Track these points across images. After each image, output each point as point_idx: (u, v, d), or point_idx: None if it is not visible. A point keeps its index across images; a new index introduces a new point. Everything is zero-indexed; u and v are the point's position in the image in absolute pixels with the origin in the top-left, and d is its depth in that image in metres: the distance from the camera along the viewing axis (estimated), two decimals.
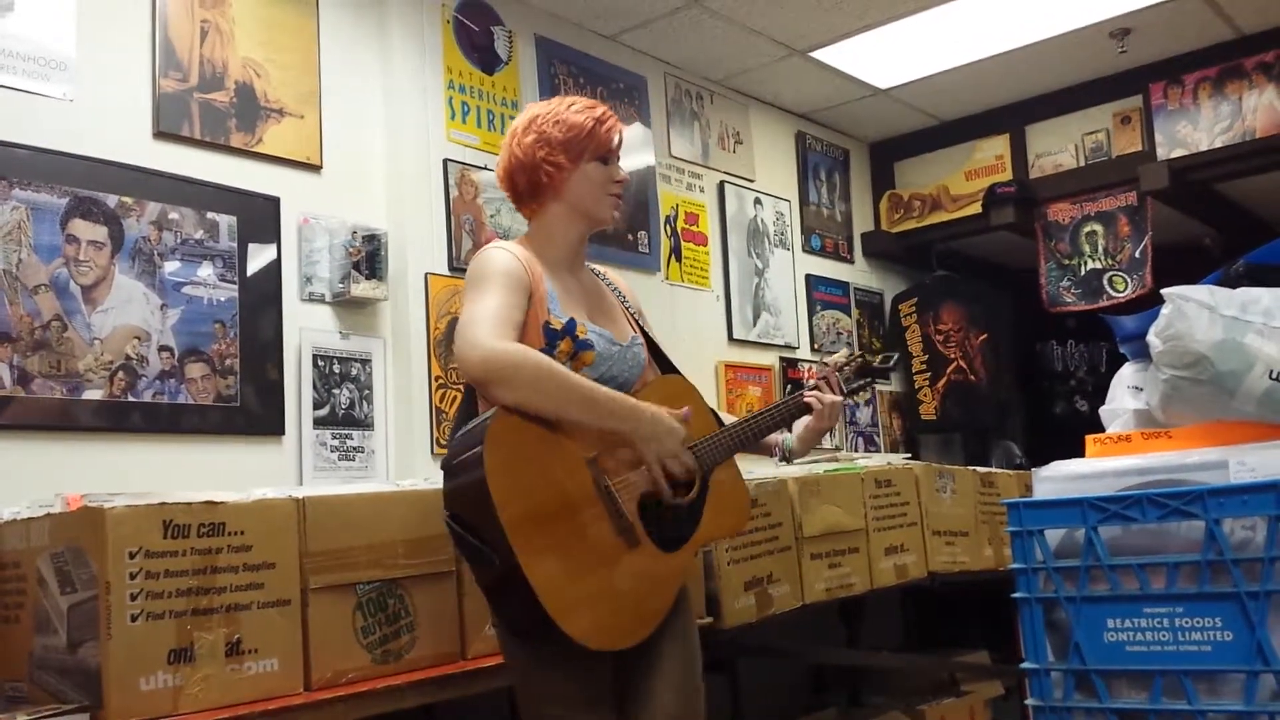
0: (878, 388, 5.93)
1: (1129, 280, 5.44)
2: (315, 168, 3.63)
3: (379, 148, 3.84)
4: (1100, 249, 5.53)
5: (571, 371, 1.96)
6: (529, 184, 2.16)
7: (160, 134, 3.26)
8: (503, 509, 1.80)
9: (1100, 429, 2.04)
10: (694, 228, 5.01)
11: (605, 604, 1.92)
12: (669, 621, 2.05)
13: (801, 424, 2.40)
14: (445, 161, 3.93)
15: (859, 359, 2.46)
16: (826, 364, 2.45)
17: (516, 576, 1.80)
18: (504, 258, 2.07)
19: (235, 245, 3.36)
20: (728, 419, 2.28)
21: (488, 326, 1.92)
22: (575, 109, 2.15)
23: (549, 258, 2.15)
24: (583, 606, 1.87)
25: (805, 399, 2.32)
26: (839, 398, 2.37)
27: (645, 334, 2.29)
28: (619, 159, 2.20)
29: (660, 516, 2.03)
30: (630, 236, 4.64)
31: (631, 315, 2.29)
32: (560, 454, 1.92)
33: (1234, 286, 1.88)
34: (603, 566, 1.93)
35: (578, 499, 1.92)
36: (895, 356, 2.67)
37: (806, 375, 2.63)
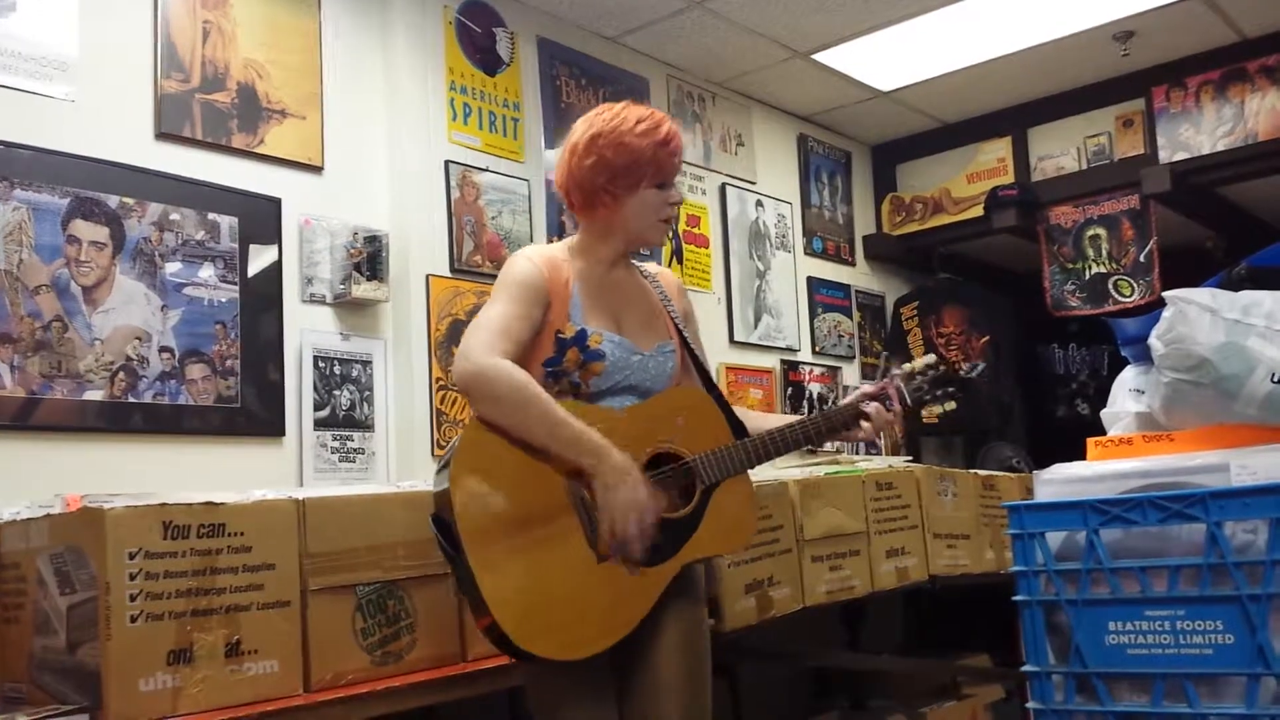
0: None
1: (1135, 285, 5.44)
2: (317, 169, 3.63)
3: (380, 149, 3.84)
4: (1104, 253, 5.52)
5: (552, 400, 1.93)
6: (585, 203, 2.15)
7: (162, 135, 3.26)
8: (461, 517, 1.85)
9: (1102, 432, 2.03)
10: (695, 230, 5.01)
11: (557, 611, 1.90)
12: (670, 606, 2.03)
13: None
14: (446, 163, 3.93)
15: (940, 370, 2.25)
16: (897, 371, 2.25)
17: (473, 582, 1.84)
18: (524, 267, 2.08)
19: (236, 246, 3.36)
20: (772, 420, 2.20)
21: (484, 338, 1.95)
22: (640, 130, 2.09)
23: (588, 264, 2.15)
24: (529, 611, 1.87)
25: (862, 408, 2.18)
26: (897, 410, 2.20)
27: (685, 340, 2.23)
28: (676, 178, 2.18)
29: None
30: None
31: (673, 319, 2.23)
32: (537, 467, 1.93)
33: (1236, 289, 1.88)
34: (564, 576, 1.91)
35: (549, 510, 1.93)
36: (981, 365, 2.43)
37: (863, 382, 2.29)
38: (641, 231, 2.16)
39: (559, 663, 1.93)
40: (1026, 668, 1.73)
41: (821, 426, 2.17)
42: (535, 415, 1.91)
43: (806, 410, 5.33)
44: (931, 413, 2.32)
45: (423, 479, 2.81)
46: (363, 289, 3.57)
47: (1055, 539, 1.72)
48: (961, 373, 2.28)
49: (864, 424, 2.19)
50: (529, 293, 2.04)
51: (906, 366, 2.26)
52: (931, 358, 2.29)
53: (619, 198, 2.11)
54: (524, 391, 1.92)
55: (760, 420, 2.25)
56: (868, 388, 2.24)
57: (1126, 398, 2.06)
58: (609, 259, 2.18)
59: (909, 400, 2.23)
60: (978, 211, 5.78)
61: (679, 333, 2.23)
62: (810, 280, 5.67)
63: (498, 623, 1.83)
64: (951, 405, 2.36)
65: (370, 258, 3.59)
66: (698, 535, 2.04)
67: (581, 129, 2.14)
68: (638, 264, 2.28)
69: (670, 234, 2.18)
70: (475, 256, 3.94)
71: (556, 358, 2.04)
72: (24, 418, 2.87)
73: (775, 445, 2.12)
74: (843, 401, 2.24)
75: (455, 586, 1.99)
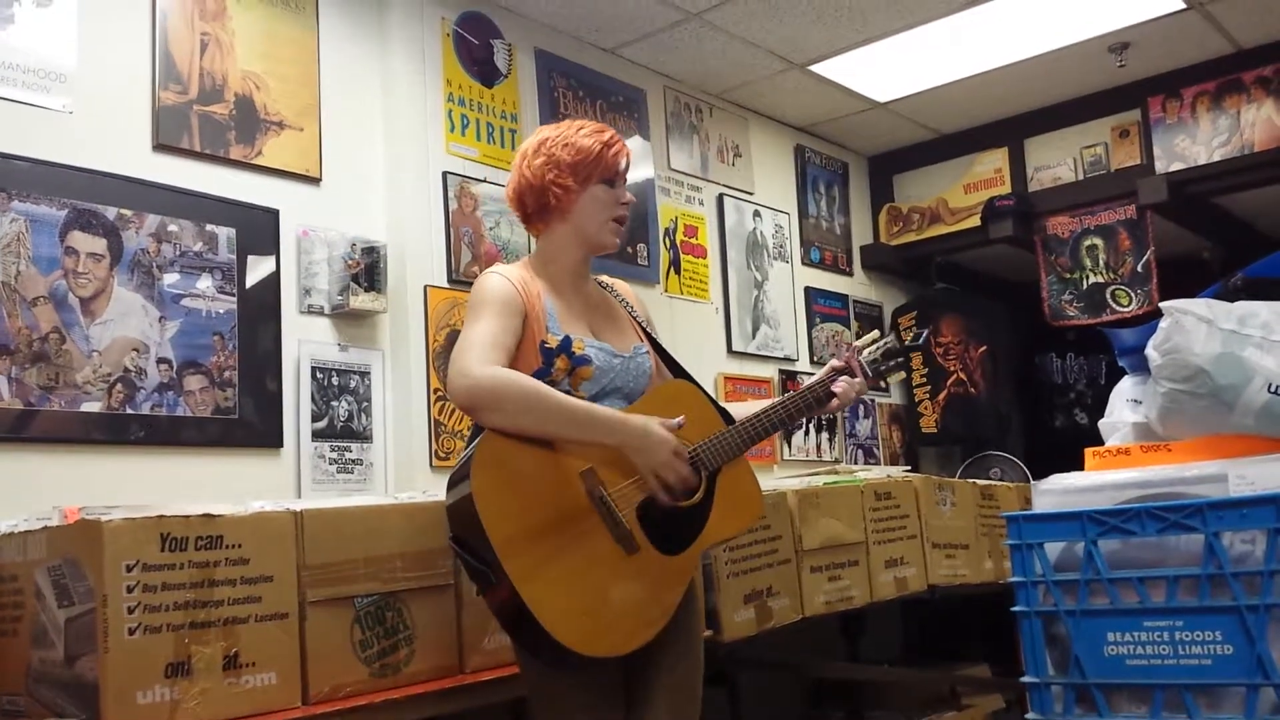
0: (878, 399, 5.93)
1: (1132, 295, 5.45)
2: (314, 180, 3.63)
3: (378, 160, 3.85)
4: (1101, 263, 5.53)
5: (558, 391, 2.01)
6: (537, 205, 2.22)
7: (160, 146, 3.26)
8: (492, 531, 1.86)
9: (1099, 442, 2.04)
10: (693, 240, 5.02)
11: (604, 612, 1.94)
12: (674, 624, 2.06)
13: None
14: (444, 174, 3.94)
15: (888, 342, 2.38)
16: (856, 345, 2.38)
17: (514, 596, 1.85)
18: (497, 282, 2.13)
19: (234, 257, 3.36)
20: (752, 406, 2.27)
21: (476, 354, 1.99)
22: (584, 133, 2.20)
23: (552, 276, 2.22)
24: (580, 617, 1.90)
25: (832, 388, 2.28)
26: (861, 382, 2.30)
27: (654, 341, 2.31)
28: (625, 182, 2.26)
29: (663, 520, 2.04)
30: (630, 249, 4.64)
31: (639, 324, 2.32)
32: (552, 470, 1.97)
33: (1232, 300, 1.88)
34: (600, 576, 1.95)
35: (572, 512, 1.96)
36: (925, 332, 2.58)
37: (831, 355, 2.54)
38: (596, 232, 2.21)
39: (575, 673, 1.96)
40: (1026, 678, 1.73)
41: (801, 403, 2.26)
42: (550, 409, 1.96)
43: (805, 420, 5.33)
44: (894, 379, 2.50)
45: (421, 490, 2.81)
46: (360, 300, 3.57)
47: (1054, 549, 1.73)
48: (907, 343, 2.42)
49: (837, 393, 2.27)
50: (507, 306, 2.09)
51: (859, 343, 2.38)
52: (877, 333, 2.43)
53: (570, 190, 2.17)
54: (533, 390, 1.97)
55: (741, 408, 2.33)
56: (835, 363, 2.33)
57: (1124, 408, 2.06)
58: (571, 268, 2.24)
59: (869, 372, 2.34)
60: (975, 222, 5.79)
61: (647, 335, 2.31)
62: (808, 290, 5.68)
63: (548, 630, 1.85)
64: (902, 375, 2.54)
65: (368, 269, 3.60)
66: (713, 519, 2.11)
67: (530, 140, 2.25)
68: (593, 275, 2.35)
69: (624, 235, 2.23)
70: (473, 267, 3.94)
71: (545, 368, 2.08)
72: (22, 429, 2.87)
73: (766, 425, 2.19)
74: (814, 378, 2.33)
75: (491, 603, 1.98)
